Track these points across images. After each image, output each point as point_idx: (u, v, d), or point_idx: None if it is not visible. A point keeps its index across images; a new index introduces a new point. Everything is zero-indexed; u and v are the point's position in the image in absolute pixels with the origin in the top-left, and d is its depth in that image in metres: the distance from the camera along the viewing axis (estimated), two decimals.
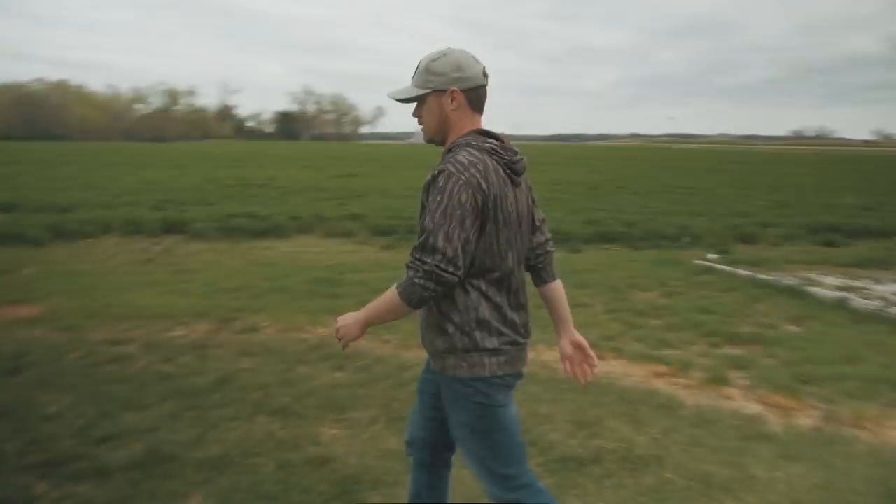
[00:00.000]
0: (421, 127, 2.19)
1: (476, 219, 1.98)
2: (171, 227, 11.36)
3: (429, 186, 2.02)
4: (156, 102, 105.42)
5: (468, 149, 2.04)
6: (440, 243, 1.94)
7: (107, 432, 3.64)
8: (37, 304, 6.64)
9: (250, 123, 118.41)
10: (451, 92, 2.08)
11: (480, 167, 2.00)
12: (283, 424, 3.81)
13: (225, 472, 3.22)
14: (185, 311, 6.24)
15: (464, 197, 1.95)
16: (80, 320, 5.93)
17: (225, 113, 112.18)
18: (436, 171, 2.01)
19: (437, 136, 2.16)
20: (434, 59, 2.09)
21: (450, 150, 2.09)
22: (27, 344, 5.26)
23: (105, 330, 5.70)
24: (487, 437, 2.14)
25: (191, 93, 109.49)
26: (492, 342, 2.08)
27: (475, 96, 2.11)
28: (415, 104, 2.15)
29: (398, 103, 2.14)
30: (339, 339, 2.17)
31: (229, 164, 31.19)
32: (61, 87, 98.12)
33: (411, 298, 1.99)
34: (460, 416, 2.16)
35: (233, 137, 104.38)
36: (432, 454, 2.43)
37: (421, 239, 1.98)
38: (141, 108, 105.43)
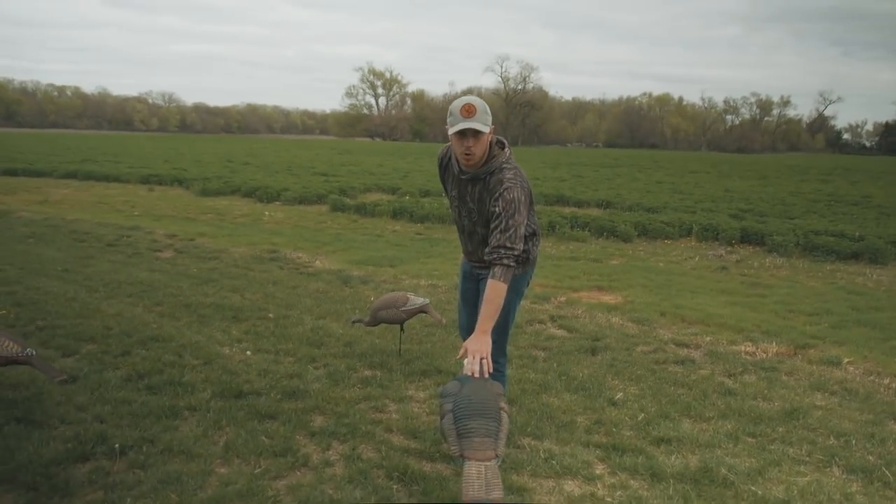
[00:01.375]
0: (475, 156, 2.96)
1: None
2: (748, 237, 10.95)
3: (507, 194, 2.94)
4: (746, 113, 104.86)
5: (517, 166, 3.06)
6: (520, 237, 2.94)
7: (665, 434, 3.58)
8: (617, 292, 7.17)
9: (846, 136, 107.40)
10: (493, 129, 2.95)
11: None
12: (863, 487, 3.12)
13: None
14: (755, 326, 5.84)
15: (524, 197, 2.98)
16: (652, 315, 6.13)
17: (818, 124, 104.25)
18: (497, 189, 2.97)
19: (480, 161, 3.01)
20: (485, 105, 2.91)
21: (493, 171, 3.02)
22: (606, 328, 5.68)
23: (673, 329, 5.76)
24: (510, 318, 3.27)
25: (784, 103, 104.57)
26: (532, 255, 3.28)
27: None
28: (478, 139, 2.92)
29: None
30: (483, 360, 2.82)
31: (817, 177, 28.79)
32: (662, 101, 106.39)
33: (509, 280, 2.93)
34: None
35: (824, 150, 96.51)
36: None
37: (510, 234, 2.91)
38: (731, 119, 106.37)
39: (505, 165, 2.99)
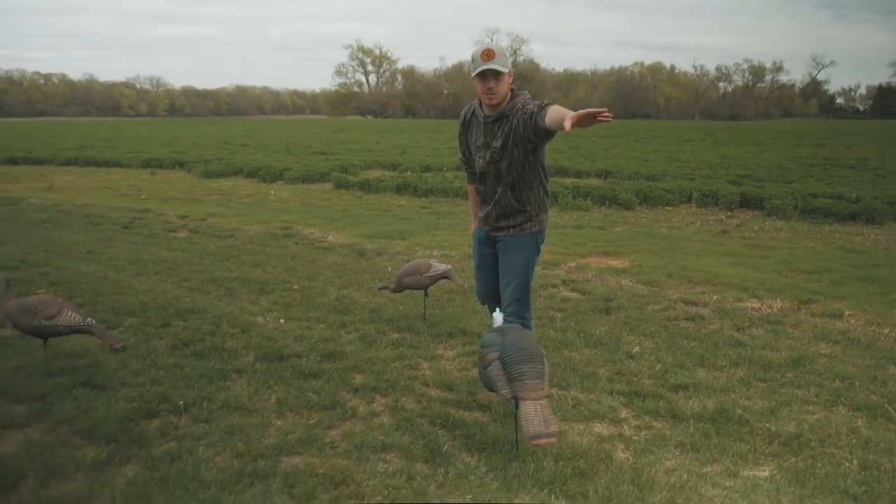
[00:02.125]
0: (498, 94, 3.30)
1: None
2: (747, 202, 11.20)
3: (533, 110, 3.23)
4: (739, 80, 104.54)
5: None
6: None
7: (682, 381, 3.84)
8: (624, 257, 7.42)
9: (839, 100, 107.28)
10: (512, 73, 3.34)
11: None
12: (868, 423, 3.39)
13: (799, 453, 3.04)
14: (759, 285, 6.10)
15: None
16: (660, 277, 6.39)
17: (811, 89, 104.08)
18: (522, 107, 3.30)
19: (503, 100, 3.35)
20: (503, 49, 3.29)
21: (515, 107, 3.33)
22: (617, 290, 5.94)
23: (681, 289, 6.01)
24: (529, 274, 3.56)
25: (777, 69, 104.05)
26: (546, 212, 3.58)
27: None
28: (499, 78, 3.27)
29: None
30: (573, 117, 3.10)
31: (812, 142, 29.00)
32: (654, 70, 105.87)
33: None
34: (517, 258, 3.52)
35: (818, 116, 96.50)
36: (498, 300, 3.64)
37: (537, 104, 3.26)
38: (723, 86, 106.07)
39: (528, 100, 3.35)
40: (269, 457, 2.91)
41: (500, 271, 3.60)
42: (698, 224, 9.94)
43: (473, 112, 3.51)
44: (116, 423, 3.15)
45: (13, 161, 20.43)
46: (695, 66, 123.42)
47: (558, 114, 3.05)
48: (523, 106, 3.30)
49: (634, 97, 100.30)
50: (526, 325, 3.55)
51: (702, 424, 3.32)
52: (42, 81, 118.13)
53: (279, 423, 3.28)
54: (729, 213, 10.72)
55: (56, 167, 19.38)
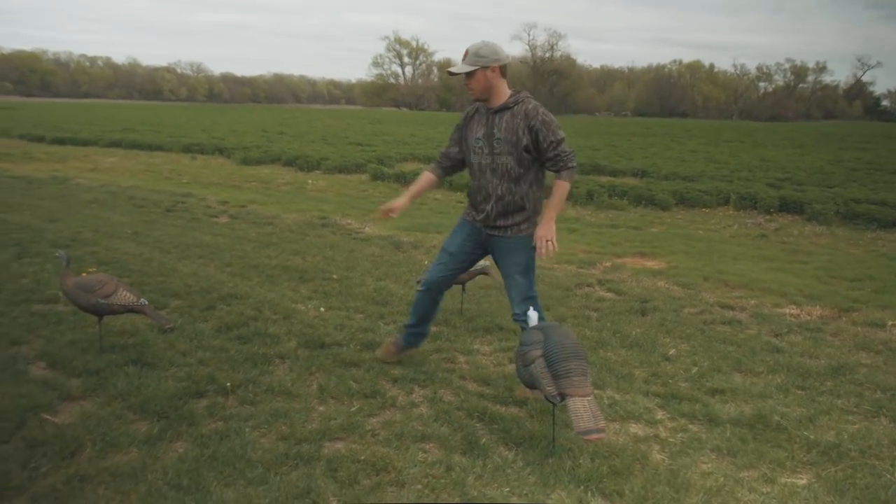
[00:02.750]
0: (476, 90, 3.46)
1: None
2: (787, 206, 11.05)
3: (539, 127, 3.38)
4: (780, 80, 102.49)
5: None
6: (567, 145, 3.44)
7: (718, 385, 3.85)
8: (660, 258, 7.39)
9: (885, 103, 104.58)
10: (493, 68, 3.41)
11: None
12: None
13: (838, 463, 3.04)
14: (798, 290, 6.04)
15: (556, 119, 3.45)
16: (696, 279, 6.36)
17: (855, 90, 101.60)
18: (535, 112, 3.40)
19: (484, 95, 3.48)
20: (479, 48, 3.41)
21: (518, 101, 3.45)
22: (653, 291, 5.93)
23: (717, 293, 5.98)
24: (532, 271, 3.65)
25: (820, 69, 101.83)
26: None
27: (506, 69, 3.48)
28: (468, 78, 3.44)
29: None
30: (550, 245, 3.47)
31: (856, 145, 28.37)
32: (693, 68, 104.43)
33: (572, 180, 3.49)
34: (520, 258, 3.59)
35: (861, 118, 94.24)
36: (441, 292, 3.91)
37: (563, 145, 3.40)
38: (764, 86, 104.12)
39: (528, 98, 3.48)
40: (313, 441, 3.01)
41: (504, 272, 3.67)
42: (736, 227, 9.85)
43: (477, 109, 3.59)
44: (167, 401, 3.28)
45: (61, 141, 20.97)
46: (735, 65, 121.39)
47: (552, 197, 3.48)
48: (533, 117, 3.38)
49: (672, 95, 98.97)
50: (536, 303, 3.59)
51: (738, 429, 3.33)
52: (88, 64, 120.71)
53: (321, 408, 3.37)
54: (767, 217, 10.59)
55: (101, 148, 19.84)
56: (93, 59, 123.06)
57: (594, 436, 2.75)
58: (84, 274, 3.99)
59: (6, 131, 23.46)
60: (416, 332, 3.97)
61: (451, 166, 3.75)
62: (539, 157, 3.44)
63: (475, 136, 3.53)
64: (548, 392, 2.91)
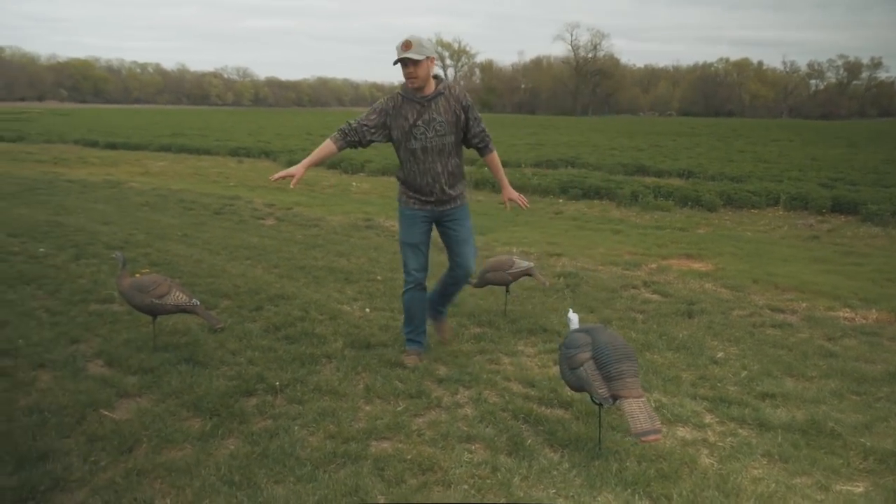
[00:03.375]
0: (418, 78, 3.74)
1: None
2: (840, 207, 10.73)
3: (469, 106, 3.88)
4: (832, 77, 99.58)
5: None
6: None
7: (769, 390, 3.77)
8: (707, 260, 7.27)
9: None
10: (432, 59, 3.77)
11: None
12: None
13: None
14: (852, 294, 5.87)
15: None
16: (745, 282, 6.24)
17: None
18: (463, 96, 3.90)
19: (424, 83, 3.77)
20: (422, 40, 3.70)
21: (446, 87, 3.87)
22: (700, 294, 5.84)
23: (767, 295, 5.86)
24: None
25: (875, 65, 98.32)
26: None
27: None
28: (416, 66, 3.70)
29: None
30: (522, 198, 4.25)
31: None
32: (740, 66, 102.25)
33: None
34: (469, 223, 4.12)
35: None
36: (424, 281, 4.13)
37: (484, 125, 3.98)
38: (815, 83, 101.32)
39: (451, 84, 3.97)
40: (360, 440, 3.05)
41: (459, 238, 4.06)
42: (786, 228, 9.61)
43: (403, 98, 3.84)
44: (218, 399, 3.36)
45: (113, 146, 21.62)
46: (784, 63, 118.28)
47: (496, 171, 4.19)
48: (464, 101, 3.88)
49: (718, 94, 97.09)
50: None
51: (790, 435, 3.26)
52: (138, 70, 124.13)
53: (368, 408, 3.42)
54: (819, 218, 10.31)
55: (151, 153, 20.38)
56: (143, 66, 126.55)
57: (652, 437, 2.74)
58: (138, 275, 4.12)
59: (62, 137, 24.29)
60: (416, 336, 4.16)
61: (356, 141, 3.90)
62: (466, 133, 3.93)
63: (411, 123, 3.80)
64: (599, 394, 2.89)
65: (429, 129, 3.80)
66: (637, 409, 2.78)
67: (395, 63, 3.73)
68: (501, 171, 4.20)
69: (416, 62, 3.69)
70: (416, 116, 3.79)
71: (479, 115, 3.95)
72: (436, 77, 3.85)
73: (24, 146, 21.95)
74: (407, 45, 3.68)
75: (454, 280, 4.26)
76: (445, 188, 3.93)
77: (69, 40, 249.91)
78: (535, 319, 4.92)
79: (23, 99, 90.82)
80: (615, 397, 2.86)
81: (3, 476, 2.69)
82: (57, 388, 3.50)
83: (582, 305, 5.33)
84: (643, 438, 2.74)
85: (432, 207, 3.96)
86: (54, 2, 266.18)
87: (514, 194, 4.17)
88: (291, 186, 3.91)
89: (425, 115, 3.79)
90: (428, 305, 4.23)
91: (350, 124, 3.89)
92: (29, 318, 4.62)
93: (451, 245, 4.11)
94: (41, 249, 6.71)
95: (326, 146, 3.94)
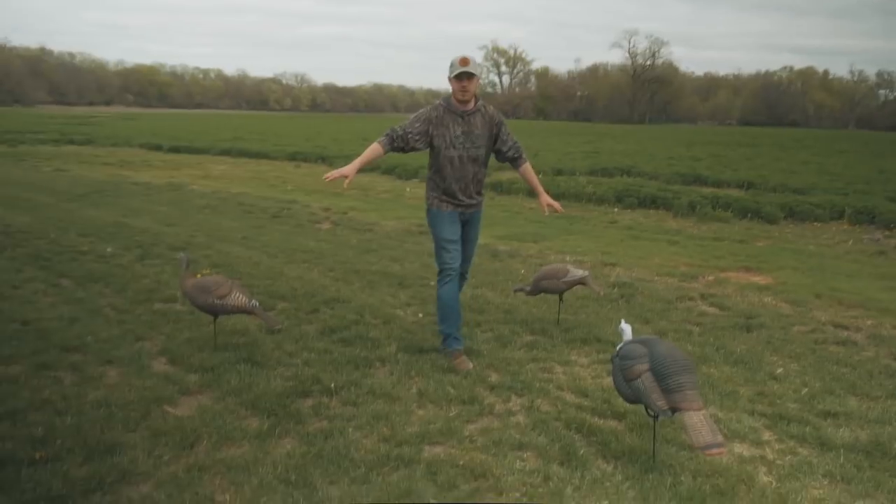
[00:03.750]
0: (469, 92, 4.11)
1: None
2: None
3: (501, 122, 4.29)
4: None
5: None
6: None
7: (831, 408, 3.66)
8: (767, 273, 7.08)
9: None
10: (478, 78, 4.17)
11: None
12: None
13: None
14: None
15: None
16: (806, 297, 6.06)
17: None
18: (497, 114, 4.31)
19: (472, 97, 4.16)
20: (475, 60, 4.10)
21: (482, 105, 4.25)
22: (759, 307, 5.70)
23: (830, 311, 5.68)
24: None
25: None
26: None
27: None
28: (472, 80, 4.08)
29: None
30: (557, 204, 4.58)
31: None
32: (805, 75, 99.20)
33: None
34: (479, 225, 4.51)
35: None
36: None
37: (515, 139, 4.39)
38: (884, 93, 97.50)
39: (487, 104, 4.30)
40: (413, 444, 3.08)
41: (469, 238, 4.46)
42: (851, 243, 9.30)
43: (445, 109, 4.19)
44: (275, 399, 3.45)
45: (176, 150, 22.35)
46: (851, 72, 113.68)
47: (531, 179, 4.54)
48: (497, 118, 4.29)
49: (781, 104, 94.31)
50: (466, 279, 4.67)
51: (853, 455, 3.16)
52: (201, 76, 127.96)
53: (420, 412, 3.45)
54: (887, 233, 9.93)
55: (212, 157, 20.99)
56: (205, 72, 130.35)
57: (715, 450, 2.70)
58: (199, 275, 4.26)
59: (127, 140, 25.22)
60: (452, 331, 4.27)
61: (400, 147, 4.22)
62: (498, 147, 4.34)
63: (453, 133, 4.17)
64: (658, 407, 2.85)
65: (467, 141, 4.18)
66: (699, 422, 2.74)
67: (454, 76, 4.05)
68: (536, 179, 4.55)
69: (471, 77, 4.06)
70: (457, 128, 4.16)
71: (510, 130, 4.37)
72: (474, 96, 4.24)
73: (92, 149, 22.91)
74: (465, 62, 4.05)
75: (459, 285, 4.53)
76: (473, 193, 4.32)
77: (135, 47, 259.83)
78: (588, 329, 4.88)
79: (91, 103, 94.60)
80: (674, 410, 2.82)
81: (73, 466, 2.81)
82: (123, 384, 3.65)
83: (637, 316, 5.27)
84: (707, 452, 2.70)
85: (462, 210, 4.34)
86: (121, 10, 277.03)
87: (551, 200, 4.51)
88: (345, 187, 4.17)
89: (465, 128, 4.17)
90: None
91: (396, 130, 4.19)
92: (97, 315, 4.82)
93: (462, 242, 4.43)
94: (108, 249, 6.99)
95: (374, 149, 4.19)
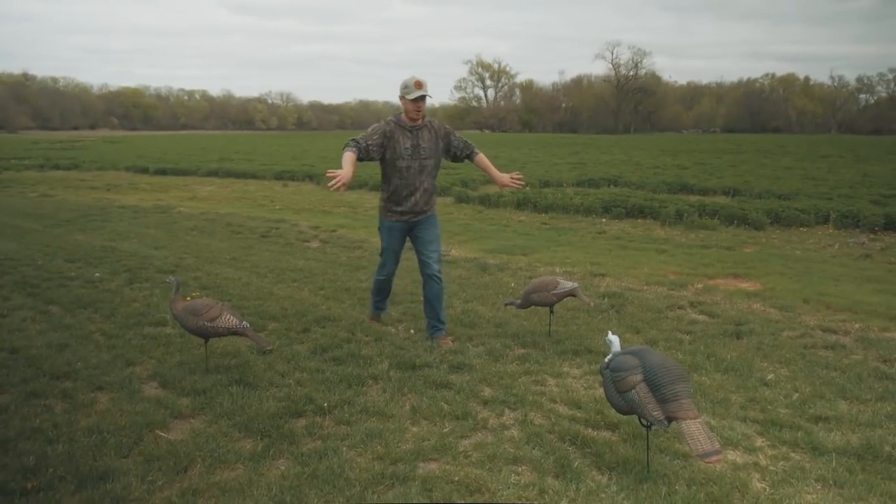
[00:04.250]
0: (421, 112, 4.66)
1: None
2: (893, 224, 10.45)
3: (449, 132, 4.86)
4: (883, 91, 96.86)
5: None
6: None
7: (821, 413, 3.69)
8: (755, 280, 7.14)
9: None
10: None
11: None
12: None
13: None
14: None
15: None
16: (795, 302, 6.11)
17: None
18: (443, 127, 4.87)
19: (421, 116, 4.71)
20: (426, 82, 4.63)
21: (429, 121, 4.80)
22: (748, 314, 5.74)
23: (818, 316, 5.73)
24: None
25: None
26: None
27: None
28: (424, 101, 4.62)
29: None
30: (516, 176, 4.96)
31: None
32: (786, 81, 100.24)
33: None
34: (437, 229, 4.95)
35: None
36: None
37: (464, 139, 4.91)
38: (865, 98, 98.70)
39: (433, 119, 4.85)
40: (407, 461, 3.08)
41: (425, 239, 4.86)
42: (837, 247, 9.39)
43: (396, 125, 4.69)
44: (268, 420, 3.44)
45: (163, 172, 22.29)
46: (832, 77, 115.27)
47: (486, 166, 4.94)
48: (443, 129, 4.80)
49: (764, 110, 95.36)
50: (440, 279, 4.92)
51: (845, 459, 3.18)
52: (185, 98, 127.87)
53: (414, 429, 3.45)
54: (872, 236, 10.04)
55: (199, 178, 20.94)
56: (190, 93, 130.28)
57: (714, 458, 2.72)
58: (188, 298, 4.24)
59: (114, 164, 25.13)
60: (382, 305, 5.33)
61: (364, 157, 4.64)
62: (451, 151, 4.83)
63: (403, 146, 4.66)
64: (654, 417, 2.86)
65: (415, 153, 4.66)
66: (696, 431, 2.76)
67: (412, 98, 4.54)
68: (490, 165, 4.93)
69: (425, 98, 4.59)
70: (406, 141, 4.65)
71: (458, 134, 4.88)
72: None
73: (78, 173, 22.81)
74: (420, 85, 4.57)
75: (428, 286, 4.90)
76: (420, 203, 4.76)
77: (121, 70, 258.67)
78: (579, 340, 4.90)
79: (76, 128, 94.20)
80: (671, 419, 2.84)
81: (66, 495, 2.79)
82: (115, 410, 3.62)
83: (627, 326, 5.29)
84: (706, 460, 2.72)
85: (409, 219, 4.82)
86: (107, 34, 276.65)
87: (506, 178, 4.86)
88: (341, 186, 4.37)
89: (413, 141, 4.66)
90: (427, 326, 4.99)
91: (359, 142, 4.64)
92: (87, 341, 4.79)
93: (418, 246, 4.92)
94: (97, 274, 6.95)
95: (350, 156, 4.56)
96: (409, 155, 4.66)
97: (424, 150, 4.69)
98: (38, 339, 4.79)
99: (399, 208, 4.78)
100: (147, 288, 6.38)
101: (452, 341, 4.84)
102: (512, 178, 4.88)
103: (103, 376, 4.08)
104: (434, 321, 4.93)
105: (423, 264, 4.92)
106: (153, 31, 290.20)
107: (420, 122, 4.70)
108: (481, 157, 4.91)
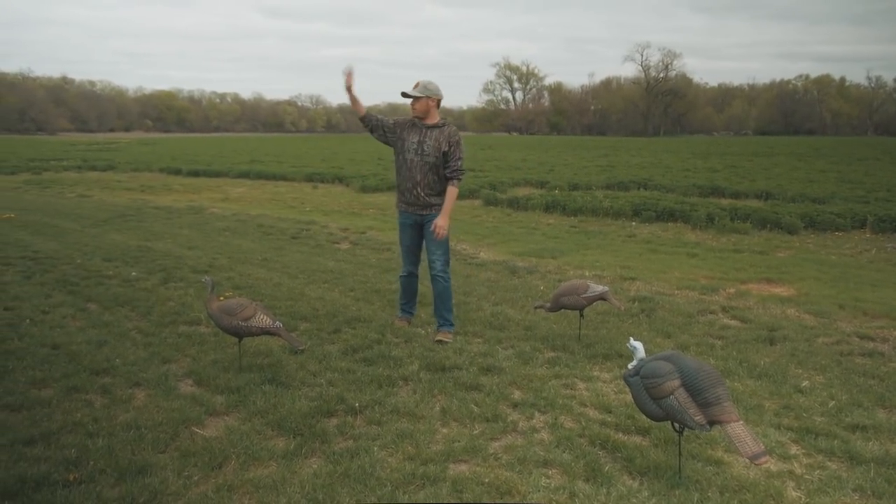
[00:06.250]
0: (417, 112, 5.00)
1: None
2: None
3: (453, 144, 4.95)
4: None
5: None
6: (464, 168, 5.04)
7: (859, 421, 3.63)
8: (788, 285, 7.04)
9: None
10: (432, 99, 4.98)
11: None
12: None
13: None
14: None
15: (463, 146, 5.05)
16: (830, 307, 6.01)
17: None
18: (453, 136, 4.98)
19: (422, 115, 4.99)
20: (427, 84, 4.98)
21: (445, 124, 5.02)
22: (781, 319, 5.66)
23: (855, 322, 5.63)
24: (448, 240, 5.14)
25: None
26: None
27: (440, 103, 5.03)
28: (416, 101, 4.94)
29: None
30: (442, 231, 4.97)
31: None
32: (821, 83, 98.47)
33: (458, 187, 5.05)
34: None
35: None
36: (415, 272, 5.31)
37: (461, 163, 5.00)
38: None
39: (451, 123, 5.05)
40: (438, 462, 3.10)
41: (430, 238, 5.04)
42: (874, 252, 9.21)
43: (413, 120, 5.03)
44: (301, 419, 3.48)
45: (196, 173, 22.63)
46: (869, 78, 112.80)
47: (446, 200, 5.02)
48: (452, 139, 4.95)
49: (797, 112, 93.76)
50: (447, 279, 5.13)
51: (884, 469, 3.12)
52: (217, 100, 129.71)
53: (444, 430, 3.47)
54: None
55: (231, 179, 21.23)
56: (222, 96, 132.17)
57: (763, 459, 2.71)
58: (222, 298, 4.31)
59: (148, 165, 25.58)
60: (407, 308, 5.45)
61: (371, 126, 5.12)
62: (445, 161, 4.95)
63: (411, 140, 4.99)
64: (696, 422, 2.82)
65: (419, 148, 4.96)
66: (742, 433, 2.75)
67: (405, 97, 4.96)
68: (450, 203, 5.00)
69: (416, 98, 4.92)
70: (414, 136, 4.98)
71: (462, 156, 5.01)
72: (443, 118, 5.06)
73: (114, 175, 23.27)
74: (415, 86, 4.97)
75: (433, 284, 5.15)
76: (423, 196, 4.99)
77: (156, 74, 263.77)
78: (609, 344, 4.88)
79: (112, 130, 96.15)
80: (713, 423, 2.82)
81: (106, 487, 2.86)
82: (152, 406, 3.70)
83: (658, 331, 5.26)
84: (756, 461, 2.71)
85: (415, 211, 5.08)
86: (142, 38, 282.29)
87: (440, 221, 4.96)
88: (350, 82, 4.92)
89: (420, 138, 4.97)
90: (435, 316, 5.22)
91: (376, 116, 5.13)
92: (124, 338, 4.90)
93: (426, 244, 5.16)
94: (133, 273, 7.09)
95: (361, 106, 5.10)
96: (414, 149, 4.97)
97: (427, 148, 4.95)
98: (78, 335, 4.90)
99: (404, 199, 5.09)
100: (181, 287, 6.49)
101: (452, 337, 5.01)
102: (436, 227, 4.94)
103: (140, 373, 4.17)
104: (440, 318, 5.13)
105: (428, 263, 5.16)
106: (187, 35, 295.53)
107: (431, 121, 5.00)
108: (452, 191, 4.99)
